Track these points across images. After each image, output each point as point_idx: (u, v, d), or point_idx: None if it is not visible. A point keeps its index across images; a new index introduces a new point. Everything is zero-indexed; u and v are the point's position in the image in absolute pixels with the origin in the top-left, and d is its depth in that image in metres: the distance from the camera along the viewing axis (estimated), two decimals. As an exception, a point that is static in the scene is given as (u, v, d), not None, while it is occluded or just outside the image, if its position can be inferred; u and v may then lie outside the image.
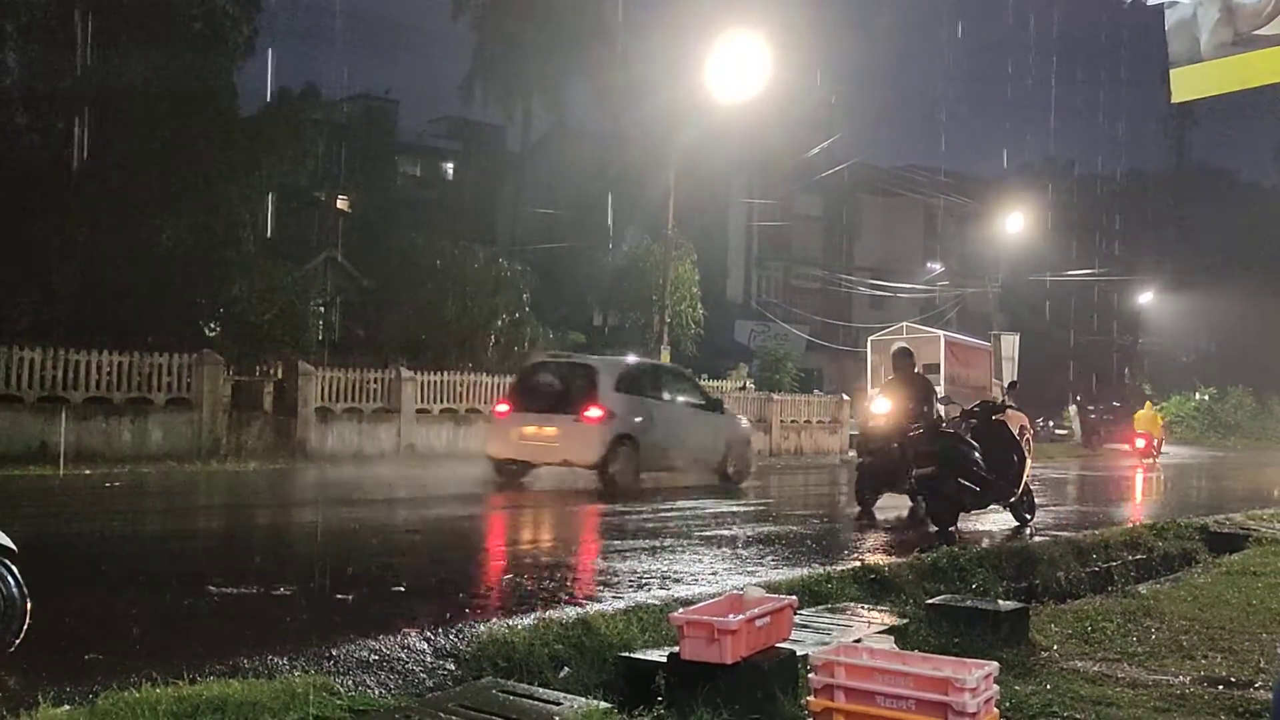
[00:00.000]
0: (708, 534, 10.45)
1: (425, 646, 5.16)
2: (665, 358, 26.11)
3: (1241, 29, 3.99)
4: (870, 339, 34.45)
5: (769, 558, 8.92)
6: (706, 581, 7.45)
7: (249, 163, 21.16)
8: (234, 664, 4.63)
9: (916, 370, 12.99)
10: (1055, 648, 6.27)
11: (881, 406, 12.60)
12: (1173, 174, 61.42)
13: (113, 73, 19.82)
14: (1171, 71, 4.17)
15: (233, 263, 20.77)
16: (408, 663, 4.97)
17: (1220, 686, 5.52)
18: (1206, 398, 53.82)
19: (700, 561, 8.47)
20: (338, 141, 33.27)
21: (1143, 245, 54.58)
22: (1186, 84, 4.14)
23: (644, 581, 7.34)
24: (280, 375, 20.05)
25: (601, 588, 7.05)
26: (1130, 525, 12.17)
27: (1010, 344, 35.44)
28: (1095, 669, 5.82)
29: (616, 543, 9.55)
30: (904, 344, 13.26)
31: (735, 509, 13.19)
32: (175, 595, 6.35)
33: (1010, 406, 12.25)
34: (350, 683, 4.57)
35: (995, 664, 4.19)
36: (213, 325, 22.09)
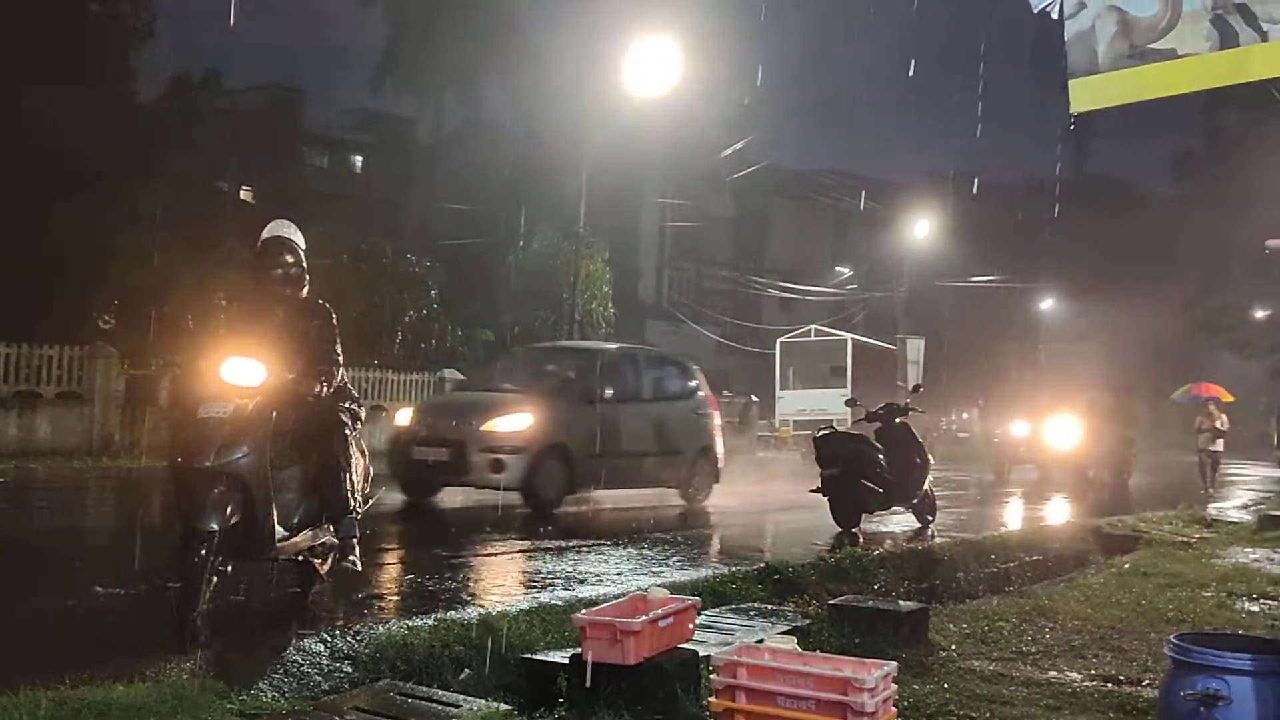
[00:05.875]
0: (614, 535, 10.43)
1: (321, 648, 5.04)
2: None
3: (1137, 42, 4.09)
4: (779, 341, 34.88)
5: (674, 558, 8.93)
6: (611, 582, 7.43)
7: (147, 150, 20.59)
8: (119, 667, 4.47)
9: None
10: (954, 647, 6.37)
11: None
12: (1072, 184, 63.07)
13: (3, 55, 19.13)
14: (1070, 82, 4.26)
15: (129, 253, 20.20)
16: (302, 665, 4.85)
17: (1110, 684, 5.65)
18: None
19: (606, 562, 8.44)
20: (241, 131, 32.51)
21: (1044, 252, 55.94)
22: (1085, 95, 4.23)
23: (548, 582, 7.29)
24: (178, 369, 19.53)
25: (504, 588, 6.97)
26: (1027, 527, 12.45)
27: (915, 348, 36.11)
28: (991, 668, 5.92)
29: (522, 542, 9.48)
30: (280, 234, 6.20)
31: (640, 508, 13.18)
32: (58, 596, 6.12)
33: (914, 409, 12.44)
34: (242, 685, 4.44)
35: (894, 664, 4.23)
36: (107, 317, 21.45)
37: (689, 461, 13.91)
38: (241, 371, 5.61)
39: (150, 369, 19.01)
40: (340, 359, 6.16)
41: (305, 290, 6.18)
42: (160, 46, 22.82)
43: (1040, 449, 22.52)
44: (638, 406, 13.45)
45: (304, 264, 6.15)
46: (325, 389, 5.93)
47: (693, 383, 14.94)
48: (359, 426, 6.41)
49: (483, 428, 11.61)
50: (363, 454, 6.52)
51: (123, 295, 20.79)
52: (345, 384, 6.37)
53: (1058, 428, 22.28)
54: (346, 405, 6.29)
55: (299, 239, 6.20)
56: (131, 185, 20.31)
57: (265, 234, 6.20)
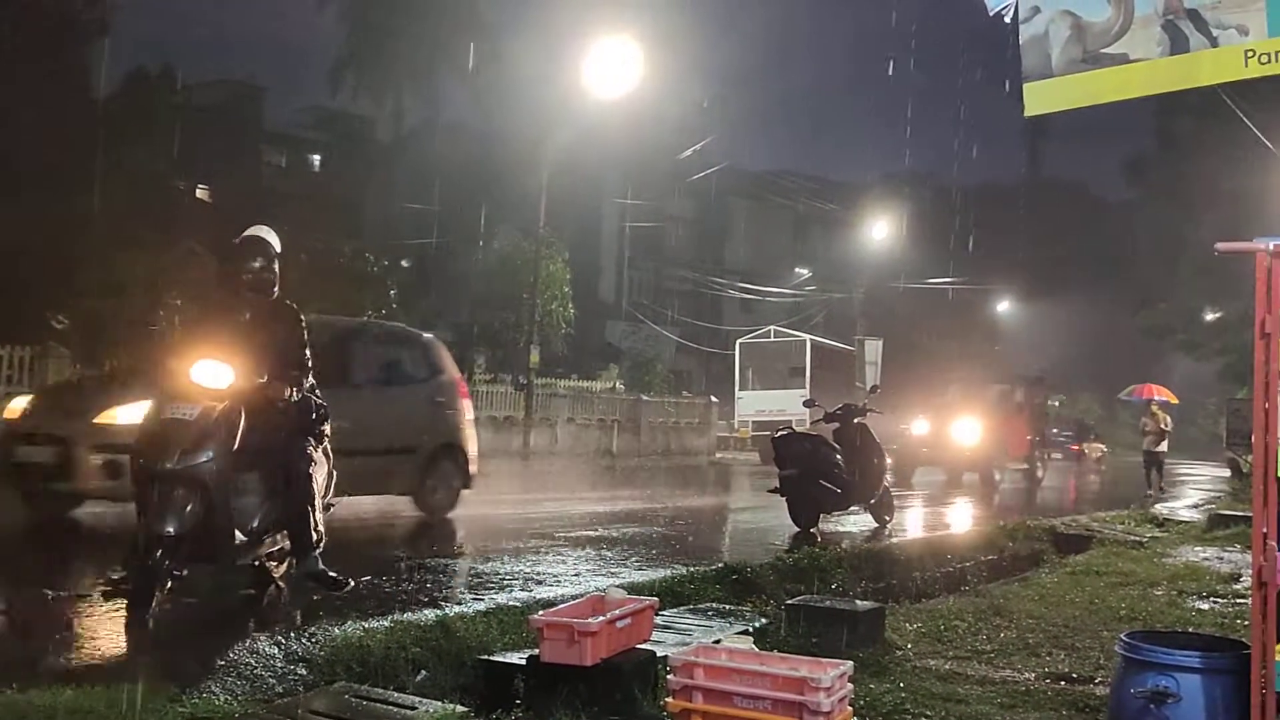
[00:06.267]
0: (572, 535, 10.42)
1: (275, 651, 4.99)
2: (534, 357, 26.03)
3: (1090, 47, 4.14)
4: (739, 342, 34.98)
5: (633, 558, 8.93)
6: (569, 583, 7.42)
7: (102, 146, 20.34)
8: (69, 670, 4.40)
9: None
10: (909, 646, 6.41)
11: None
12: (1027, 186, 63.85)
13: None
14: (1025, 86, 4.31)
15: (82, 251, 19.92)
16: (256, 667, 4.80)
17: (1063, 682, 5.71)
18: (1058, 404, 56.18)
19: (564, 563, 8.43)
20: (198, 128, 32.19)
21: (999, 255, 56.56)
22: (1039, 98, 4.28)
23: (506, 583, 7.26)
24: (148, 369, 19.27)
25: (462, 590, 6.94)
26: (983, 527, 12.55)
27: (873, 349, 36.34)
28: (947, 667, 5.96)
29: (480, 543, 9.44)
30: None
31: (600, 510, 13.17)
32: (6, 598, 6.03)
33: (871, 410, 12.51)
34: (194, 689, 4.39)
35: (850, 663, 4.25)
36: (60, 318, 21.14)
37: (423, 462, 11.03)
38: (211, 373, 5.58)
39: (104, 369, 18.77)
40: (309, 363, 6.13)
41: (275, 293, 6.14)
42: (116, 41, 22.54)
43: (943, 449, 21.19)
44: (345, 392, 9.92)
45: (275, 268, 6.11)
46: (295, 393, 5.91)
47: (433, 364, 11.84)
48: (325, 442, 6.37)
49: (96, 420, 8.88)
50: (327, 457, 6.46)
51: (77, 295, 20.49)
52: (314, 391, 6.29)
53: (960, 426, 20.83)
54: (315, 423, 6.21)
55: (275, 242, 6.16)
56: (85, 182, 20.03)
57: (242, 235, 6.16)
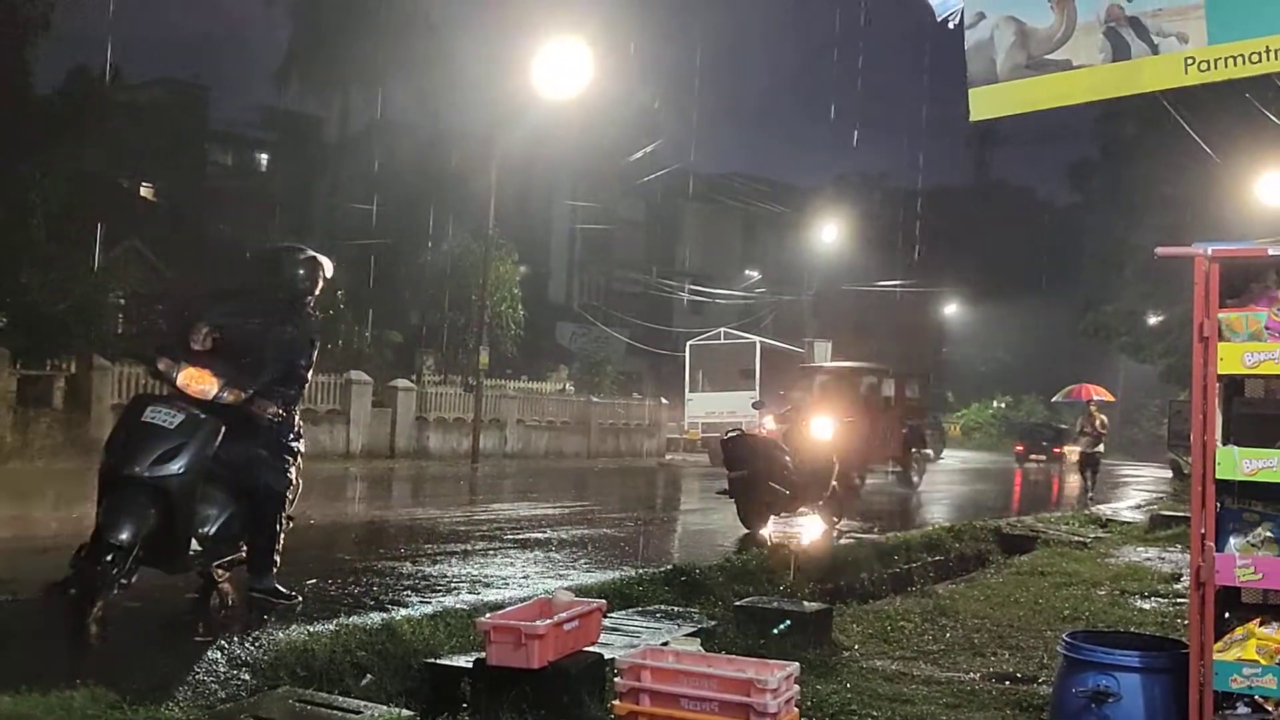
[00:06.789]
0: (520, 537, 10.38)
1: (219, 656, 4.92)
2: (484, 359, 25.90)
3: (1034, 53, 4.20)
4: (689, 344, 35.04)
5: (582, 561, 8.91)
6: (518, 585, 7.39)
7: (44, 144, 19.95)
8: (5, 676, 4.30)
9: None
10: (857, 647, 6.45)
11: None
12: (974, 190, 64.61)
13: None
14: (970, 91, 4.35)
15: (23, 249, 19.52)
16: (199, 673, 4.73)
17: (1007, 682, 5.78)
18: (1003, 405, 57.03)
19: (512, 565, 8.39)
20: (143, 126, 31.67)
21: (947, 258, 57.14)
22: (984, 103, 4.32)
23: (454, 586, 7.22)
24: (73, 370, 18.95)
25: (409, 592, 6.89)
26: (930, 528, 12.65)
27: (823, 351, 36.53)
28: (893, 667, 6.01)
29: (427, 546, 9.38)
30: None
31: (549, 511, 13.13)
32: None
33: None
34: (135, 695, 4.31)
35: (796, 665, 4.27)
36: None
37: None
38: (199, 382, 5.49)
39: (44, 370, 18.47)
40: (307, 382, 6.17)
41: (306, 310, 6.31)
42: (59, 38, 22.02)
43: (798, 451, 17.79)
44: None
45: (316, 290, 6.34)
46: (281, 413, 5.84)
47: None
48: (299, 459, 6.23)
49: None
50: (298, 471, 6.30)
51: (15, 293, 20.08)
52: (295, 414, 6.14)
53: (817, 424, 16.48)
54: (293, 440, 6.08)
55: (328, 267, 6.42)
56: (26, 180, 19.64)
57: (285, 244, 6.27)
